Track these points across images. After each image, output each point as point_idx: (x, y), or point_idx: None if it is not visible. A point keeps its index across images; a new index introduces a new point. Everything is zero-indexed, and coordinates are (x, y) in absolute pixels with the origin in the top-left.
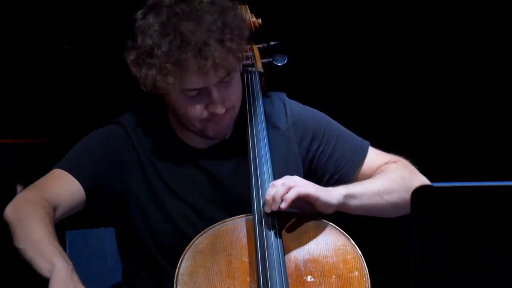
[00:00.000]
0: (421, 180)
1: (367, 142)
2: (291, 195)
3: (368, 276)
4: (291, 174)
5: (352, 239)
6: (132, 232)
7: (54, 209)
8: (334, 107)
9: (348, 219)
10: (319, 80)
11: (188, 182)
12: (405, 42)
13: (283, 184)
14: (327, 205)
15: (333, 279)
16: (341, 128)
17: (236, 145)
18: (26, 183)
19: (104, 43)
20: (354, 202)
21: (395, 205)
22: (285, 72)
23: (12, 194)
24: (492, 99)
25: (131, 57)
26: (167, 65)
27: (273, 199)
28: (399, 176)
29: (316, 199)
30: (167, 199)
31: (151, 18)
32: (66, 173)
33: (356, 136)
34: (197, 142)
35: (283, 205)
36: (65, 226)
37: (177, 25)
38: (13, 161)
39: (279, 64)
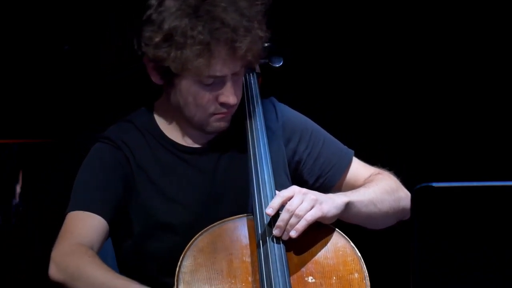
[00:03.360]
0: (406, 192)
1: (351, 151)
2: (301, 226)
3: (368, 278)
4: (281, 174)
5: (352, 241)
6: (131, 245)
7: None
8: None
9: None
10: (315, 83)
11: (183, 184)
12: (408, 45)
13: (295, 215)
14: (334, 218)
15: (333, 281)
16: (327, 134)
17: (228, 142)
18: (25, 184)
19: (103, 43)
20: (353, 210)
21: (385, 214)
22: (281, 74)
23: (12, 194)
24: (491, 99)
25: (156, 39)
26: (199, 46)
27: (286, 226)
28: (388, 185)
29: (324, 218)
30: (161, 205)
31: (173, 3)
32: (81, 211)
33: (341, 143)
34: (189, 142)
35: (293, 234)
36: None
37: (210, 9)
38: (14, 161)
39: (276, 66)
